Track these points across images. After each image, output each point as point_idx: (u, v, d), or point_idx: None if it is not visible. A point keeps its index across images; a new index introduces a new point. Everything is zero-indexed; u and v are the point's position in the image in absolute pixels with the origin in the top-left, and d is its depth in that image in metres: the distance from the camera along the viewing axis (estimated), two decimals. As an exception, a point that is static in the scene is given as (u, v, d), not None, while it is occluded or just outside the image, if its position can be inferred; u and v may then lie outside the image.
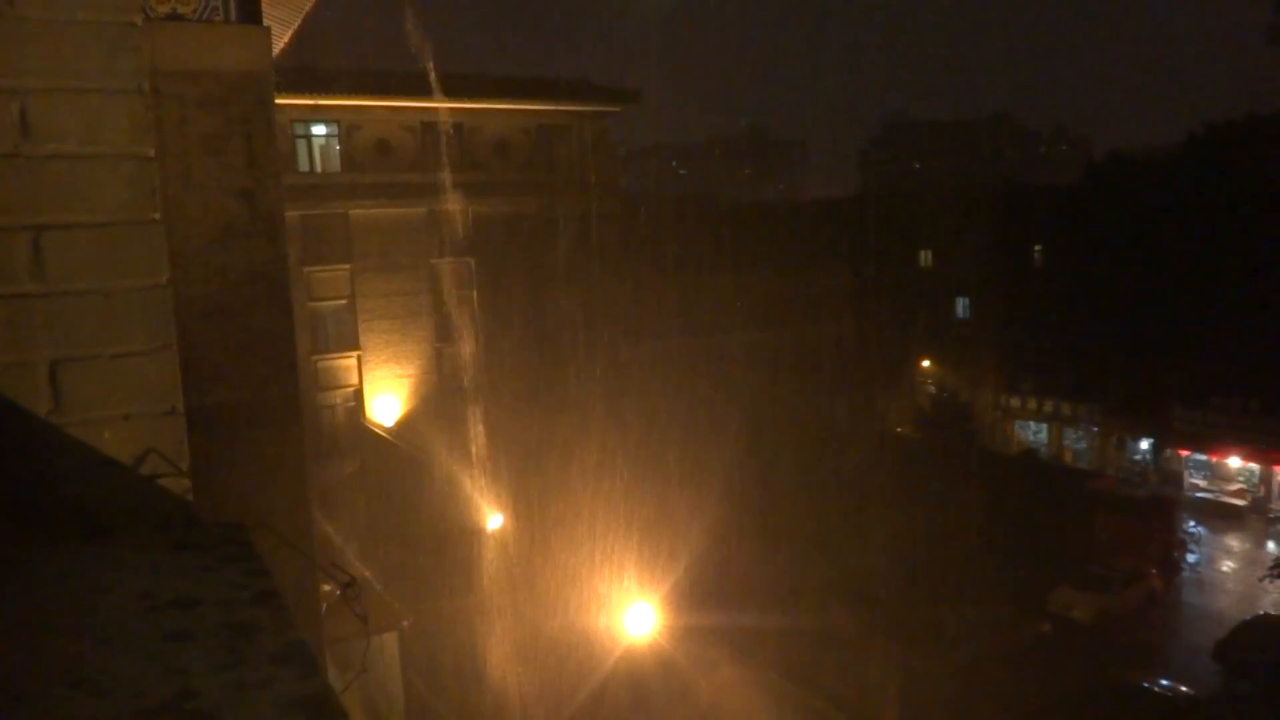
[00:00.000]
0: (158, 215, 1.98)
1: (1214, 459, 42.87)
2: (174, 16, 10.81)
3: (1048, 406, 49.46)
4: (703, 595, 26.81)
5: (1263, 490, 41.52)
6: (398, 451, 30.75)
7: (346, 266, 34.05)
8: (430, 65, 32.31)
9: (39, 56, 1.90)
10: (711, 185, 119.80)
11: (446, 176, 33.99)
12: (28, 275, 1.94)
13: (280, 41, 16.43)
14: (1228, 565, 37.39)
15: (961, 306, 53.89)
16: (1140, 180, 47.16)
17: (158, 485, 2.06)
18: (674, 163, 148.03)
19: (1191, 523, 40.09)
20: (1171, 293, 42.14)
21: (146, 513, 2.05)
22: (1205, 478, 43.34)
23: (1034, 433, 50.56)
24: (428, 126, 35.04)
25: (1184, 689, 26.09)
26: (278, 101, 11.71)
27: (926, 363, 54.18)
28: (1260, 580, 32.42)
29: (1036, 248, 52.14)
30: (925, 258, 55.77)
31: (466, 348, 34.85)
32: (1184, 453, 43.97)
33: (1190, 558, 36.59)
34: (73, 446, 1.98)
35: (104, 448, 2.01)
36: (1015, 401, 50.71)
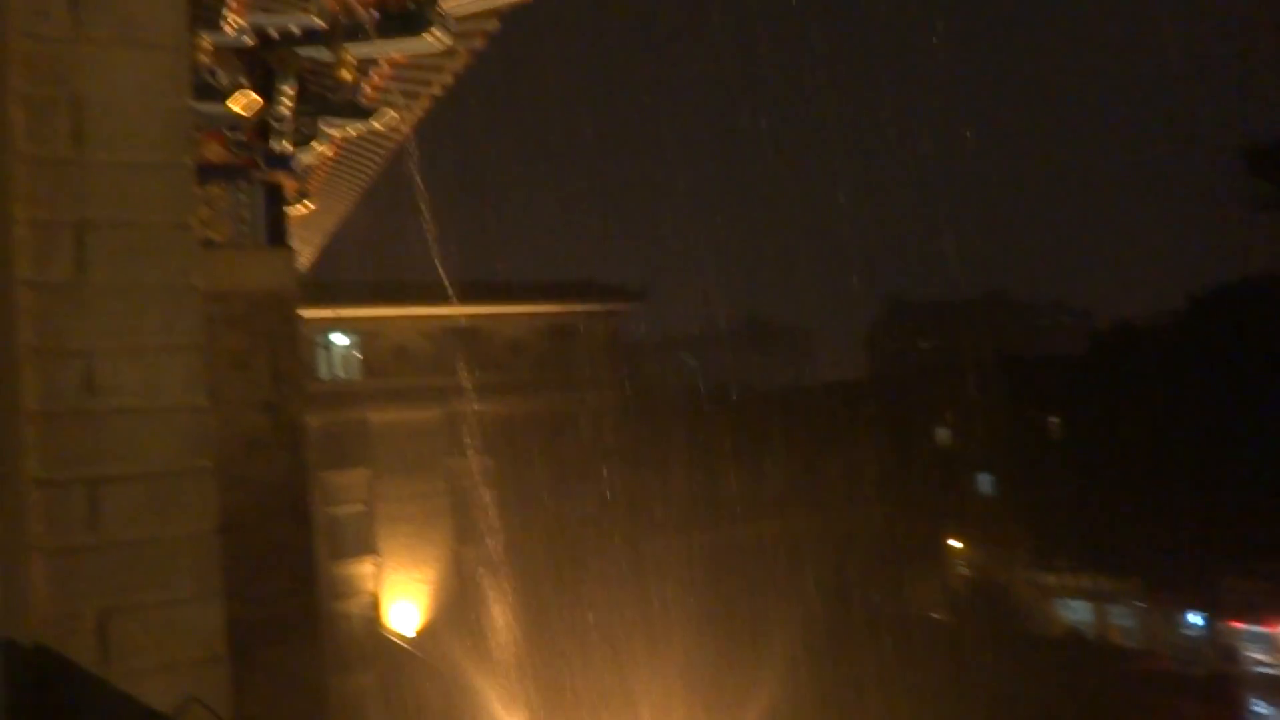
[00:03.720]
0: (208, 463, 2.02)
1: (1272, 630, 41.01)
2: (207, 243, 11.31)
3: (1087, 583, 47.86)
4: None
5: (1325, 662, 39.50)
6: (418, 662, 29.77)
7: (365, 471, 34.14)
8: (445, 274, 33.52)
9: (105, 318, 1.97)
10: (721, 375, 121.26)
11: (464, 379, 34.61)
12: (82, 527, 1.95)
13: (306, 259, 17.18)
14: (1300, 747, 35.06)
15: (984, 483, 53.23)
16: (1148, 346, 47.60)
17: (198, 736, 1.99)
18: (684, 354, 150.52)
19: (1259, 702, 37.92)
20: (1201, 457, 41.59)
21: (186, 767, 1.97)
22: (1264, 651, 41.29)
23: (1076, 612, 48.70)
24: (445, 331, 36.02)
25: None
26: (301, 314, 12.08)
27: (954, 543, 52.98)
28: (1338, 763, 30.31)
29: (1053, 419, 51.98)
30: (942, 436, 55.64)
31: (487, 549, 34.35)
32: (1238, 625, 42.15)
33: (1259, 740, 34.39)
34: (116, 701, 1.93)
35: (146, 698, 1.96)
36: (1052, 579, 49.10)
